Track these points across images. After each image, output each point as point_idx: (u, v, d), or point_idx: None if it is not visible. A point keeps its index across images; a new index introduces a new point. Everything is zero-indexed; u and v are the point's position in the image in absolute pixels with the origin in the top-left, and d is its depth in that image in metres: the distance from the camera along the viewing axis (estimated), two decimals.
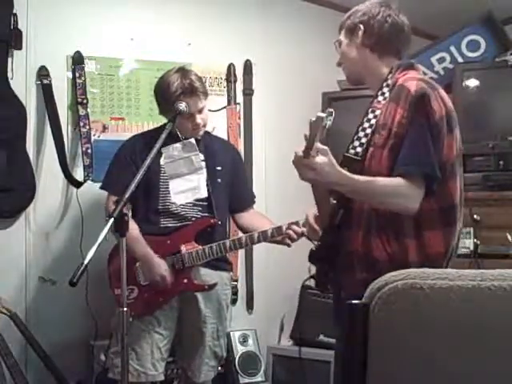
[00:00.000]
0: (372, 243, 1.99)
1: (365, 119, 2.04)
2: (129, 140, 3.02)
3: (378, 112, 2.01)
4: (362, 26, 2.13)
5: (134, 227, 2.74)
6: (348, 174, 1.92)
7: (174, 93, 2.79)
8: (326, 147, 1.89)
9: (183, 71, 2.89)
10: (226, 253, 2.91)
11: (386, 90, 2.05)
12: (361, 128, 2.03)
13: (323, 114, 1.79)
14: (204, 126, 2.93)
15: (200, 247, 2.82)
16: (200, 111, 2.87)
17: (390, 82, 2.07)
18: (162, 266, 2.79)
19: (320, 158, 1.86)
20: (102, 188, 2.99)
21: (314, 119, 1.80)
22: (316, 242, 2.30)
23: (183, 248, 2.82)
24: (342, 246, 2.06)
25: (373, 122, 2.02)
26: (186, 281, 2.83)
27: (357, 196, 2.00)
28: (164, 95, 2.85)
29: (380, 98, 2.05)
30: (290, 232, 2.75)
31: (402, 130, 1.94)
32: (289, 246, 2.81)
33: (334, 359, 2.39)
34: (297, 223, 2.73)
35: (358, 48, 2.15)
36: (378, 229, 1.99)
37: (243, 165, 3.27)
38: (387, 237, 1.98)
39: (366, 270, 1.99)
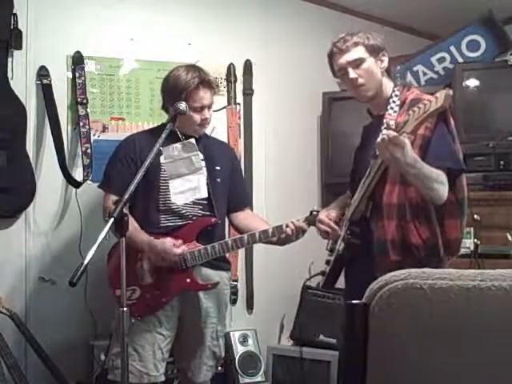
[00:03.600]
0: (408, 231, 2.28)
1: (382, 127, 2.30)
2: (127, 138, 2.98)
3: (392, 122, 2.28)
4: (385, 53, 2.46)
5: (133, 222, 2.70)
6: (417, 157, 2.16)
7: (192, 82, 2.78)
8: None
9: (196, 67, 2.90)
10: (228, 252, 2.90)
11: (393, 104, 2.40)
12: (381, 134, 2.28)
13: (451, 93, 2.00)
14: (209, 123, 2.93)
15: (202, 246, 2.80)
16: (209, 106, 2.87)
17: (396, 98, 2.40)
18: (167, 243, 2.74)
19: (405, 139, 2.08)
20: (99, 187, 2.97)
21: (440, 96, 1.98)
22: (331, 241, 2.52)
23: (185, 247, 2.81)
24: (372, 234, 2.34)
25: None
26: (189, 280, 2.81)
27: (416, 178, 2.21)
28: (178, 85, 2.79)
29: (390, 111, 2.38)
30: (288, 230, 2.74)
31: (428, 133, 2.26)
32: (283, 244, 2.80)
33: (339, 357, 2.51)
34: (297, 222, 2.74)
35: (382, 71, 2.46)
36: (412, 218, 2.29)
37: (240, 166, 3.27)
38: (420, 224, 2.29)
39: (400, 254, 2.28)
